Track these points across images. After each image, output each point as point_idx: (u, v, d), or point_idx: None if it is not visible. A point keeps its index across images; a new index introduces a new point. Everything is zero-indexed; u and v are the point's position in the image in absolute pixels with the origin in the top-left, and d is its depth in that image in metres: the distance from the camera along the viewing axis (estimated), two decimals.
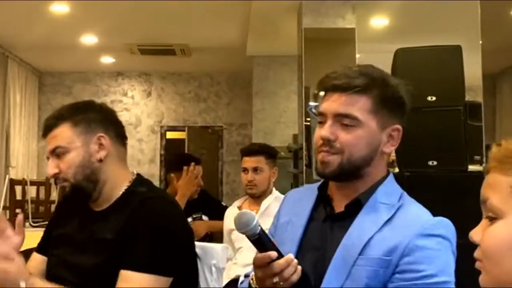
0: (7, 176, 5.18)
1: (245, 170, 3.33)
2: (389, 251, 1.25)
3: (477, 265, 0.91)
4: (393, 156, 4.45)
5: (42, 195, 6.42)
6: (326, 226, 1.37)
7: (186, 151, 8.46)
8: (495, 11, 5.31)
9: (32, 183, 6.42)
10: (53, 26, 6.41)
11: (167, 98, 8.99)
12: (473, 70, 4.44)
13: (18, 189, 6.01)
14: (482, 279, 0.90)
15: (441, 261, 1.25)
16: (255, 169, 3.29)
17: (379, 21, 5.65)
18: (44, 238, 1.88)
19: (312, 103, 4.88)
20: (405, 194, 1.40)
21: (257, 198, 3.28)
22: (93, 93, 8.81)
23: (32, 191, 6.20)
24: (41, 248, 1.86)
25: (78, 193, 1.71)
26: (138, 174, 1.82)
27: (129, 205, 1.68)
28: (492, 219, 0.90)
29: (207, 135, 9.04)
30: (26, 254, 2.88)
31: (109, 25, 6.44)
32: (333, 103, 1.34)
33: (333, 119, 1.33)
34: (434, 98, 3.67)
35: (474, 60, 4.56)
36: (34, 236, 2.14)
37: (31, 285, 1.51)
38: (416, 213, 1.31)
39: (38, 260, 1.82)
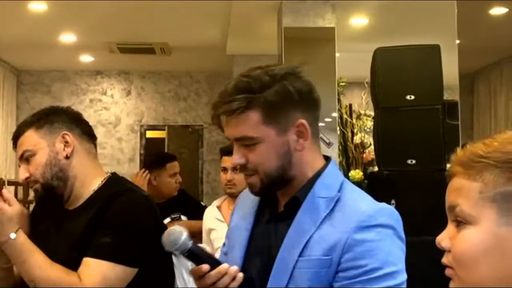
0: None
1: (224, 169, 3.33)
2: (329, 250, 1.22)
3: (448, 272, 0.90)
4: (372, 155, 4.49)
5: (20, 195, 6.36)
6: (271, 227, 1.35)
7: (166, 150, 8.42)
8: (472, 10, 5.37)
9: (10, 183, 6.37)
10: (32, 24, 6.34)
11: (147, 97, 8.95)
12: (450, 69, 4.49)
13: None
14: (453, 286, 0.90)
15: (383, 252, 1.21)
16: (235, 169, 3.28)
17: (359, 21, 5.69)
18: None
19: None
20: (346, 182, 1.35)
21: (236, 197, 3.28)
22: (72, 91, 8.73)
23: (10, 191, 6.14)
24: None
25: (49, 192, 1.74)
26: (113, 173, 1.83)
27: (100, 200, 1.70)
28: (460, 225, 0.89)
29: (187, 134, 9.01)
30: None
31: (88, 24, 6.39)
32: (228, 129, 1.30)
33: (237, 143, 1.31)
34: (413, 97, 3.70)
35: (451, 59, 4.61)
36: None
37: (20, 244, 1.57)
38: (354, 205, 1.26)
39: None
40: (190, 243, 1.25)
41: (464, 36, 4.83)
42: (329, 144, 4.77)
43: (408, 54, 3.82)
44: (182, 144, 8.93)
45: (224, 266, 1.24)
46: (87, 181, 1.78)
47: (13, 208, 1.57)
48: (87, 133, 1.85)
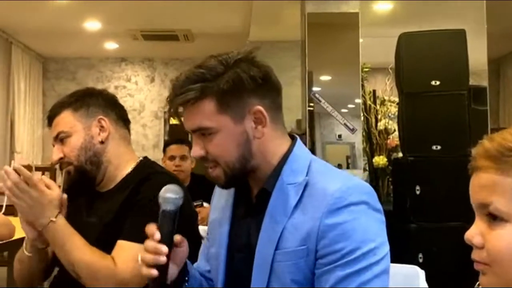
0: (12, 162, 5.20)
1: (172, 157, 3.87)
2: (303, 240, 1.19)
3: (479, 267, 0.88)
4: (396, 141, 4.46)
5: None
6: (248, 221, 1.32)
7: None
8: None
9: (37, 168, 6.44)
10: (57, 12, 6.40)
11: (171, 84, 8.98)
12: (478, 54, 4.43)
13: None
14: (487, 282, 0.87)
15: (359, 231, 1.17)
16: (182, 157, 3.86)
17: (383, 6, 5.62)
18: None
19: (315, 88, 4.88)
20: (314, 162, 1.30)
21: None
22: (97, 78, 8.81)
23: (37, 177, 6.23)
24: None
25: (82, 175, 1.76)
26: (145, 157, 1.85)
27: (134, 182, 1.72)
28: (496, 222, 0.86)
29: None
30: None
31: (113, 11, 6.43)
32: (185, 121, 1.28)
33: (195, 135, 1.28)
34: (438, 83, 3.67)
35: (479, 44, 4.54)
36: None
37: (60, 227, 1.58)
38: (322, 188, 1.21)
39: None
40: (176, 207, 1.20)
41: (491, 21, 4.75)
42: (352, 130, 4.75)
43: (433, 39, 3.77)
44: None
45: (161, 248, 1.16)
46: (120, 166, 1.79)
47: (54, 192, 1.58)
48: (122, 118, 1.86)
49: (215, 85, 1.24)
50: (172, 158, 3.83)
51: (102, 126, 1.78)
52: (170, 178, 1.75)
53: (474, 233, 0.89)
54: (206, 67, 1.26)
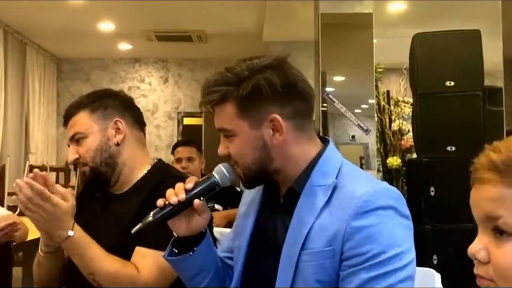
0: (27, 162, 5.23)
1: (179, 160, 3.82)
2: (330, 241, 1.20)
3: (483, 283, 0.85)
4: (411, 142, 4.43)
5: (61, 181, 6.49)
6: (276, 218, 1.34)
7: (203, 137, 8.48)
8: None
9: (52, 169, 6.50)
10: (71, 13, 6.44)
11: (184, 85, 9.01)
12: (493, 54, 4.39)
13: None
14: None
15: (385, 235, 1.17)
16: (189, 159, 3.84)
17: (397, 6, 5.60)
18: None
19: (329, 89, 4.87)
20: (344, 165, 1.31)
21: None
22: (111, 79, 8.86)
23: (51, 177, 6.27)
24: None
25: (97, 177, 1.75)
26: (159, 159, 1.85)
27: (149, 185, 1.72)
28: (503, 237, 0.83)
29: None
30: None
31: (126, 12, 6.46)
32: (214, 120, 1.34)
33: (221, 134, 1.34)
34: (452, 83, 3.64)
35: (494, 44, 4.50)
36: None
37: (77, 238, 1.56)
38: (351, 191, 1.22)
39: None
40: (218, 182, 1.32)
41: (506, 21, 4.71)
42: (366, 131, 4.74)
43: (447, 40, 3.75)
44: None
45: (180, 192, 1.28)
46: (135, 169, 1.79)
47: (68, 203, 1.56)
48: (138, 120, 1.86)
49: (237, 90, 1.27)
50: (179, 160, 3.82)
51: (118, 128, 1.78)
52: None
53: (479, 248, 0.86)
54: (232, 71, 1.29)
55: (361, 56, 4.82)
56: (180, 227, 1.32)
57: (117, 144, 1.77)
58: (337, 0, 4.94)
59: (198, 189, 1.29)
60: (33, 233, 2.34)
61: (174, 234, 1.35)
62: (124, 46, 8.20)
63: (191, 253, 1.34)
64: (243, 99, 1.27)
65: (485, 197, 0.86)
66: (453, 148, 3.53)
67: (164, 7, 6.31)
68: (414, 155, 4.08)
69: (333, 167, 1.30)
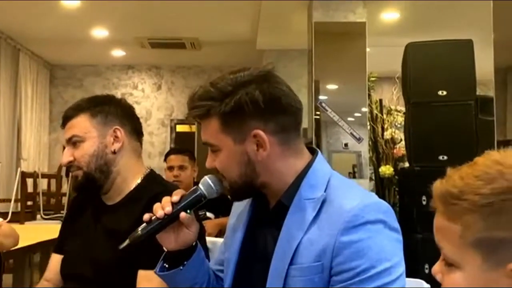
0: (19, 169, 5.21)
1: (171, 168, 3.83)
2: (318, 256, 1.18)
3: None
4: (403, 151, 4.45)
5: (53, 188, 6.46)
6: (264, 231, 1.33)
7: (195, 144, 8.48)
8: (508, 4, 5.27)
9: (44, 175, 6.46)
10: (64, 19, 6.44)
11: (177, 92, 9.00)
12: (485, 64, 4.42)
13: (30, 181, 6.04)
14: None
15: (374, 250, 1.16)
16: (181, 167, 3.84)
17: (390, 15, 5.63)
18: (60, 237, 1.90)
19: (322, 97, 4.88)
20: (333, 178, 1.29)
21: None
22: (104, 86, 8.84)
23: (43, 184, 6.23)
24: (58, 248, 1.87)
25: (89, 182, 1.73)
26: (151, 170, 1.84)
27: (140, 200, 1.69)
28: (448, 265, 0.87)
29: None
30: (37, 247, 2.91)
31: (120, 19, 6.46)
32: (201, 132, 1.33)
33: (209, 148, 1.34)
34: (444, 93, 3.66)
35: (486, 54, 4.53)
36: (45, 228, 2.17)
37: None
38: (339, 205, 1.20)
39: (58, 260, 1.83)
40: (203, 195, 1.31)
41: (497, 31, 4.74)
42: (359, 140, 4.75)
43: (440, 49, 3.77)
44: None
45: (166, 206, 1.26)
46: (128, 179, 1.77)
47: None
48: (137, 130, 1.84)
49: (220, 105, 1.26)
50: (171, 168, 3.81)
51: (116, 136, 1.76)
52: None
53: (437, 271, 0.90)
54: (216, 86, 1.28)
55: (354, 65, 4.85)
56: (168, 241, 1.31)
57: (114, 152, 1.75)
58: (331, 9, 4.97)
59: (185, 202, 1.28)
60: (24, 241, 2.33)
61: (164, 248, 1.34)
62: (118, 53, 8.20)
63: (181, 267, 1.32)
64: (226, 115, 1.25)
65: (435, 225, 0.90)
66: (445, 157, 3.55)
67: (158, 14, 6.32)
68: (406, 164, 4.10)
69: (322, 179, 1.28)
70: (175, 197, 1.28)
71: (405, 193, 3.94)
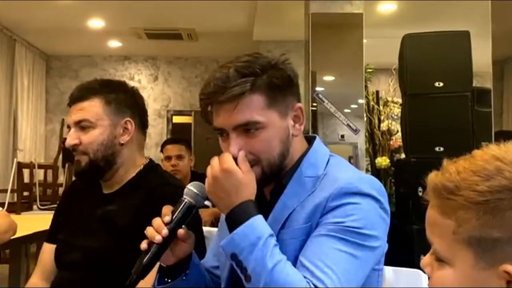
0: (15, 160, 5.20)
1: (168, 158, 3.83)
2: (308, 218, 1.20)
3: None
4: (399, 142, 4.45)
5: (49, 178, 6.46)
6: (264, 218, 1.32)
7: (192, 135, 8.48)
8: None
9: (40, 166, 6.47)
10: (61, 10, 6.41)
11: (174, 83, 8.99)
12: (482, 55, 4.42)
13: (26, 172, 6.05)
14: None
15: (360, 215, 1.17)
16: (179, 156, 3.84)
17: (387, 7, 5.62)
18: (52, 227, 1.88)
19: (318, 88, 4.87)
20: (332, 158, 1.31)
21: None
22: (100, 77, 8.68)
23: (39, 174, 6.24)
24: (51, 238, 1.86)
25: (93, 170, 1.71)
26: (150, 160, 1.83)
27: (137, 190, 1.69)
28: (439, 260, 0.85)
29: None
30: (33, 237, 2.91)
31: (116, 9, 6.43)
32: (227, 117, 1.23)
33: (235, 132, 1.24)
34: (441, 84, 3.66)
35: (483, 45, 4.53)
36: (42, 218, 2.17)
37: None
38: (335, 177, 1.22)
39: (50, 250, 1.82)
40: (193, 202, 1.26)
41: (495, 22, 4.74)
42: (355, 131, 4.75)
43: (437, 41, 3.76)
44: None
45: (162, 229, 1.21)
46: (130, 170, 1.76)
47: None
48: (144, 123, 1.82)
49: (265, 79, 1.24)
50: (168, 158, 3.82)
51: (126, 128, 1.73)
52: (175, 187, 1.67)
53: (427, 263, 0.88)
54: (252, 61, 1.25)
55: (351, 56, 4.83)
56: (167, 258, 1.28)
57: (121, 144, 1.73)
58: (328, 0, 4.95)
59: (177, 218, 1.23)
60: (20, 231, 2.33)
61: (162, 264, 1.30)
62: (114, 44, 8.17)
63: (184, 277, 1.31)
64: (273, 88, 1.24)
65: (427, 219, 0.88)
66: (442, 149, 3.55)
67: (154, 5, 6.29)
68: (403, 155, 4.10)
69: (322, 159, 1.30)
70: (167, 217, 1.23)
71: (401, 184, 3.94)
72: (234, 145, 1.23)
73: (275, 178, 1.29)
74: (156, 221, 1.23)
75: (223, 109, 1.23)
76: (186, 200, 1.26)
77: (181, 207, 1.25)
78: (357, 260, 1.15)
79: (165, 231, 1.20)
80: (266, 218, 1.30)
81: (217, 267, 1.45)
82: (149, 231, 1.22)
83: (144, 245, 1.21)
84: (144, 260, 1.21)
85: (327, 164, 1.29)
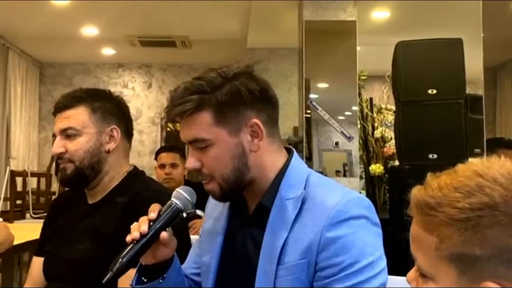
0: (8, 168, 5.18)
1: (162, 166, 3.81)
2: (304, 253, 1.19)
3: None
4: (393, 149, 4.46)
5: (42, 186, 6.42)
6: (243, 232, 1.32)
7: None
8: (497, 3, 5.30)
9: (33, 174, 6.44)
10: (54, 17, 6.40)
11: (168, 90, 8.92)
12: (474, 63, 4.44)
13: (19, 180, 6.01)
14: None
15: (358, 244, 1.18)
16: (172, 165, 3.82)
17: (380, 14, 5.64)
18: (41, 240, 1.88)
19: (312, 96, 4.88)
20: (311, 176, 1.30)
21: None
22: (94, 84, 8.78)
23: (33, 182, 6.20)
24: (39, 250, 1.86)
25: (79, 177, 1.71)
26: (134, 167, 1.82)
27: (121, 197, 1.68)
28: (421, 275, 0.85)
29: None
30: (26, 246, 2.89)
31: (110, 17, 6.43)
32: (182, 132, 1.28)
33: (191, 147, 1.28)
34: (434, 91, 3.67)
35: (475, 53, 4.55)
36: (35, 227, 2.15)
37: None
38: (321, 202, 1.22)
39: (39, 263, 1.81)
40: (182, 211, 1.26)
41: (487, 29, 4.77)
42: (349, 138, 4.76)
43: (430, 48, 3.78)
44: None
45: (143, 226, 1.21)
46: (114, 178, 1.76)
47: None
48: (129, 131, 1.83)
49: (213, 97, 1.24)
50: (162, 166, 3.81)
51: (112, 136, 1.74)
52: (158, 194, 1.66)
53: (412, 278, 0.88)
54: (205, 79, 1.25)
55: (345, 64, 4.85)
56: (147, 259, 1.28)
57: (107, 152, 1.73)
58: (321, 7, 4.97)
59: (162, 221, 1.23)
60: (15, 239, 2.32)
61: (141, 262, 1.30)
62: (108, 51, 8.16)
63: (161, 280, 1.30)
64: (221, 105, 1.24)
65: (411, 234, 0.88)
66: (435, 156, 3.56)
67: (148, 12, 6.29)
68: (397, 162, 4.11)
69: (300, 178, 1.29)
70: (152, 214, 1.23)
71: (395, 192, 3.95)
72: (190, 158, 1.28)
73: (238, 191, 1.30)
74: (142, 218, 1.24)
75: (181, 124, 1.28)
76: (174, 203, 1.25)
77: (169, 209, 1.25)
78: None
79: (144, 227, 1.20)
80: (247, 232, 1.31)
81: (197, 274, 1.44)
82: (133, 226, 1.23)
83: (128, 237, 1.21)
84: (122, 256, 1.20)
85: (306, 182, 1.28)
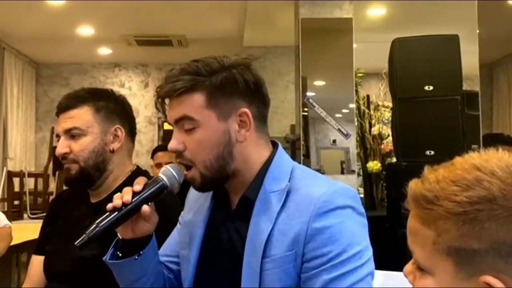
0: (5, 168, 5.18)
1: (159, 165, 3.78)
2: (291, 245, 1.18)
3: None
4: (390, 146, 4.47)
5: (40, 187, 6.42)
6: (227, 226, 1.31)
7: None
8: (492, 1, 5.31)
9: (30, 174, 6.43)
10: (50, 17, 6.39)
11: None
12: (470, 59, 4.45)
13: (16, 181, 6.01)
14: None
15: (346, 234, 1.17)
16: (169, 164, 3.75)
17: (377, 11, 5.64)
18: (40, 239, 1.88)
19: (309, 93, 4.88)
20: (296, 168, 1.30)
21: None
22: (90, 84, 8.78)
23: (30, 183, 6.20)
24: (39, 249, 1.86)
25: (84, 178, 1.71)
26: (137, 167, 1.83)
27: None
28: (418, 269, 0.85)
29: None
30: (24, 246, 2.89)
31: (106, 16, 6.42)
32: (170, 111, 1.27)
33: (177, 127, 1.27)
34: (431, 88, 3.67)
35: (471, 49, 4.56)
36: (32, 227, 2.16)
37: None
38: (307, 193, 1.21)
39: (39, 262, 1.81)
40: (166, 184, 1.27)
41: (483, 26, 4.77)
42: (346, 136, 4.76)
43: (426, 45, 3.78)
44: None
45: (126, 195, 1.22)
46: (118, 177, 1.76)
47: None
48: (133, 131, 1.82)
49: (208, 80, 1.24)
50: (159, 165, 3.81)
51: (116, 135, 1.74)
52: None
53: (409, 271, 0.88)
54: (202, 62, 1.27)
55: (341, 61, 4.85)
56: (126, 232, 1.28)
57: (112, 151, 1.73)
58: (317, 5, 4.97)
59: (146, 193, 1.23)
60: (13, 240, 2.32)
61: (119, 236, 1.30)
62: (104, 51, 8.15)
63: (136, 257, 1.30)
64: (215, 90, 1.24)
65: (408, 228, 0.88)
66: (432, 152, 3.56)
67: (144, 12, 6.29)
68: (394, 159, 4.11)
69: (285, 171, 1.28)
70: (138, 186, 1.24)
71: (392, 188, 3.95)
72: (174, 139, 1.27)
73: (220, 182, 1.28)
74: (126, 188, 1.24)
75: (169, 104, 1.27)
76: (160, 178, 1.25)
77: (154, 184, 1.25)
78: (366, 279, 1.18)
79: (127, 197, 1.21)
80: (231, 225, 1.30)
81: (173, 262, 1.43)
82: (115, 195, 1.23)
83: (109, 206, 1.21)
84: (99, 222, 1.19)
85: (290, 175, 1.27)
